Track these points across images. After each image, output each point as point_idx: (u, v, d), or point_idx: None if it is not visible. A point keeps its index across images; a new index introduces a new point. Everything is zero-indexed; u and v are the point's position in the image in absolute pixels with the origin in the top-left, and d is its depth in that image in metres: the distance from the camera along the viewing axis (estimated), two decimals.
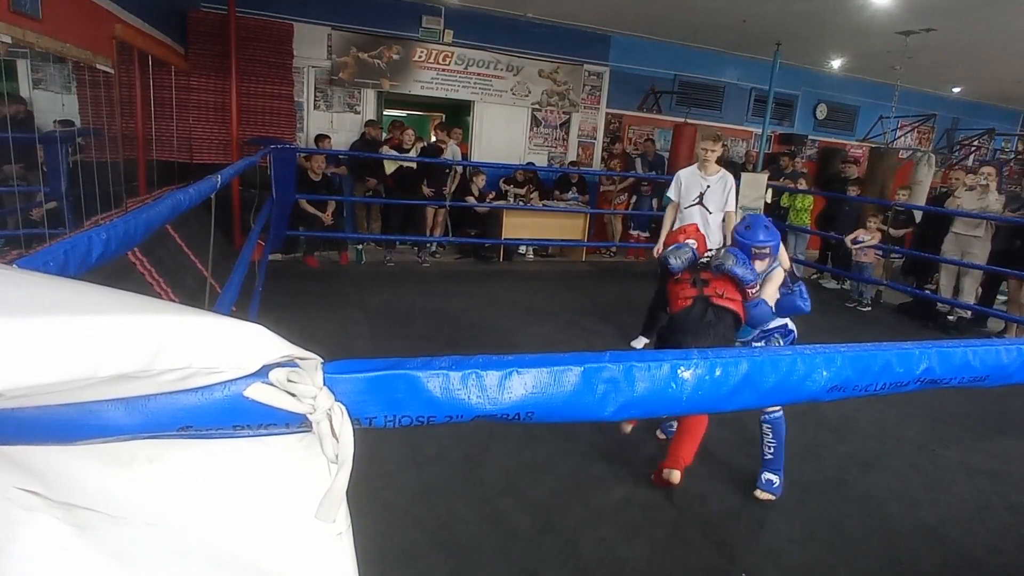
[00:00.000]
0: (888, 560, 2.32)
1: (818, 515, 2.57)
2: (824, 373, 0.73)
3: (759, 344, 2.77)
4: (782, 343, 2.76)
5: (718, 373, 0.66)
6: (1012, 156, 12.34)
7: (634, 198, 8.22)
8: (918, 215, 6.64)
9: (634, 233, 8.31)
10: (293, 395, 0.54)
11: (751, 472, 2.85)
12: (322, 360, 0.57)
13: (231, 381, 0.53)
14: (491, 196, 7.52)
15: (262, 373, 0.53)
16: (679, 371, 0.64)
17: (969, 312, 5.91)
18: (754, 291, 2.54)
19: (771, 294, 2.66)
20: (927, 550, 2.40)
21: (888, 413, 3.60)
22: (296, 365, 0.55)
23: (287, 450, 0.59)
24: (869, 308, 6.44)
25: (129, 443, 0.55)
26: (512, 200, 7.58)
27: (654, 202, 8.18)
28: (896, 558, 2.33)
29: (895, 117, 9.12)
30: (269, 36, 6.62)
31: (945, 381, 0.82)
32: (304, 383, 0.54)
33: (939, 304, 6.06)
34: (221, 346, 0.51)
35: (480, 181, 7.27)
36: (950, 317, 6.01)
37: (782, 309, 2.69)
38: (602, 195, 8.38)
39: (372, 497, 2.42)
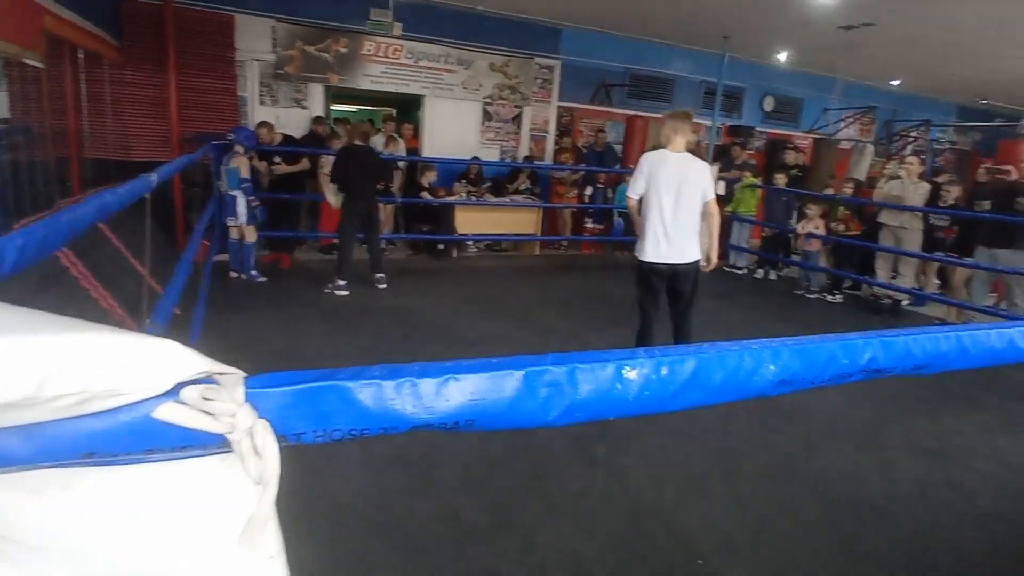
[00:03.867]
0: (838, 539, 2.39)
1: (771, 499, 2.63)
2: (771, 367, 0.73)
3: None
4: None
5: (664, 372, 0.64)
6: (947, 146, 12.96)
7: (590, 190, 8.25)
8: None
9: (591, 226, 8.35)
10: (210, 414, 0.50)
11: (706, 460, 2.90)
12: (244, 375, 0.53)
13: (139, 403, 0.48)
14: (443, 192, 7.46)
15: (174, 392, 0.49)
16: (624, 371, 0.62)
17: (908, 297, 6.18)
18: None
19: None
20: (874, 528, 2.49)
21: (835, 397, 3.72)
22: (214, 381, 0.51)
23: (208, 472, 0.54)
24: (816, 295, 6.67)
25: (38, 471, 0.51)
26: (464, 196, 7.53)
27: (609, 193, 8.25)
28: (845, 537, 2.41)
29: (838, 109, 9.44)
30: (209, 28, 6.38)
31: (888, 370, 0.83)
32: (222, 400, 0.50)
33: (876, 289, 6.32)
34: (125, 366, 0.47)
35: (431, 176, 7.19)
36: (884, 301, 6.24)
37: None
38: (554, 189, 8.39)
39: (327, 501, 2.36)
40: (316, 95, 7.39)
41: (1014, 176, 5.22)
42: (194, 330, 3.29)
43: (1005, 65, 8.38)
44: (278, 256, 6.28)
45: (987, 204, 5.64)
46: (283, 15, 6.96)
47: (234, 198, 5.20)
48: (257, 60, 6.98)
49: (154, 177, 2.25)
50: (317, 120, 6.99)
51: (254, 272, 5.42)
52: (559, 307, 5.40)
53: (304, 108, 7.32)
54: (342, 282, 5.25)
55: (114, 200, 1.74)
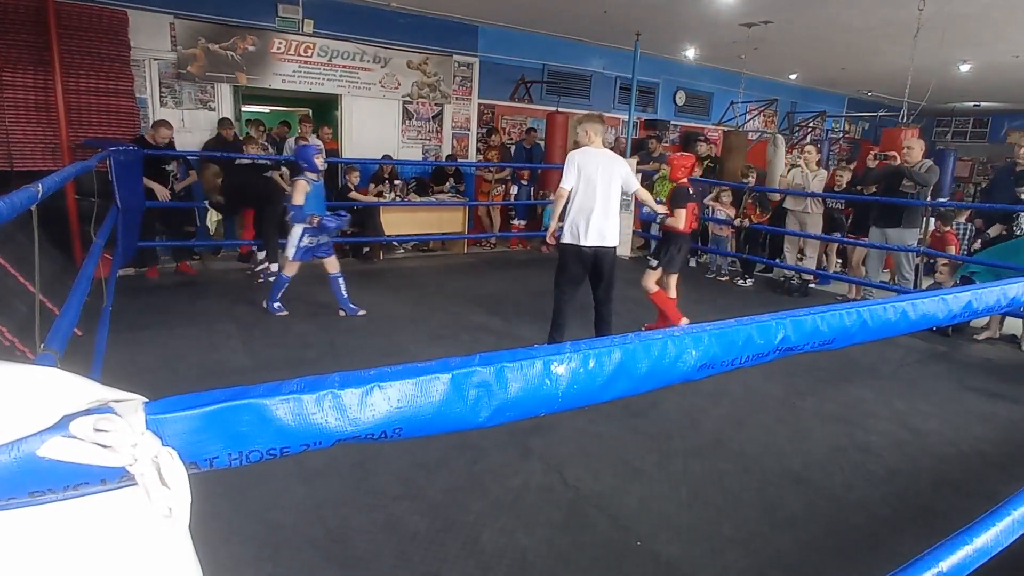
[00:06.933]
0: (763, 508, 2.52)
1: (701, 476, 2.74)
2: (693, 353, 0.75)
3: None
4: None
5: (592, 365, 0.65)
6: (840, 135, 13.94)
7: (515, 189, 8.29)
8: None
9: (516, 223, 8.39)
10: (106, 446, 0.45)
11: (639, 445, 2.99)
12: (144, 400, 0.49)
13: (19, 441, 0.43)
14: (374, 193, 7.29)
15: (61, 426, 0.44)
16: (552, 367, 0.62)
17: (813, 277, 6.62)
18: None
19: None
20: (794, 494, 2.64)
21: (754, 374, 3.91)
22: (110, 410, 0.47)
23: (109, 510, 0.50)
24: (726, 279, 7.00)
25: None
26: (389, 196, 7.39)
27: (532, 190, 8.33)
28: (770, 505, 2.55)
29: (743, 102, 9.95)
30: (99, 25, 5.92)
31: (800, 348, 0.88)
32: (119, 430, 0.45)
33: (786, 271, 6.73)
34: None
35: (355, 178, 7.01)
36: (794, 281, 6.65)
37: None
38: (479, 187, 8.38)
39: (256, 520, 2.25)
40: (224, 96, 7.02)
41: (898, 161, 5.66)
42: (98, 353, 3.04)
43: (886, 59, 9.09)
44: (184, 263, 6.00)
45: (875, 188, 6.11)
46: (182, 11, 6.56)
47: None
48: (156, 59, 6.55)
49: (39, 188, 2.05)
50: (223, 123, 6.62)
51: (276, 305, 4.75)
52: (490, 304, 5.40)
53: (211, 110, 6.93)
54: (274, 267, 5.65)
55: None
